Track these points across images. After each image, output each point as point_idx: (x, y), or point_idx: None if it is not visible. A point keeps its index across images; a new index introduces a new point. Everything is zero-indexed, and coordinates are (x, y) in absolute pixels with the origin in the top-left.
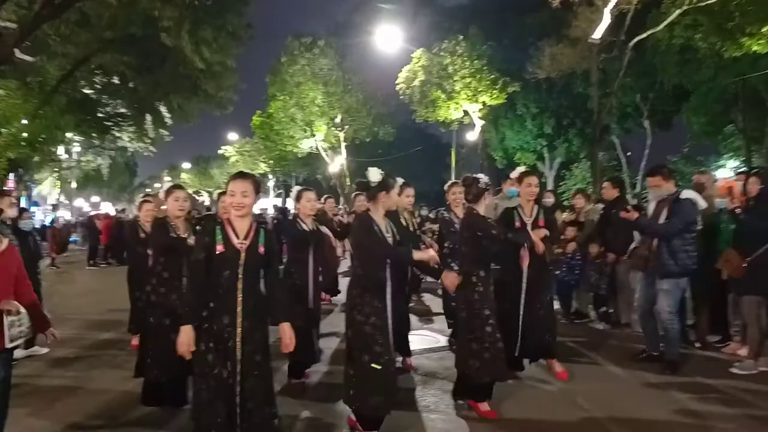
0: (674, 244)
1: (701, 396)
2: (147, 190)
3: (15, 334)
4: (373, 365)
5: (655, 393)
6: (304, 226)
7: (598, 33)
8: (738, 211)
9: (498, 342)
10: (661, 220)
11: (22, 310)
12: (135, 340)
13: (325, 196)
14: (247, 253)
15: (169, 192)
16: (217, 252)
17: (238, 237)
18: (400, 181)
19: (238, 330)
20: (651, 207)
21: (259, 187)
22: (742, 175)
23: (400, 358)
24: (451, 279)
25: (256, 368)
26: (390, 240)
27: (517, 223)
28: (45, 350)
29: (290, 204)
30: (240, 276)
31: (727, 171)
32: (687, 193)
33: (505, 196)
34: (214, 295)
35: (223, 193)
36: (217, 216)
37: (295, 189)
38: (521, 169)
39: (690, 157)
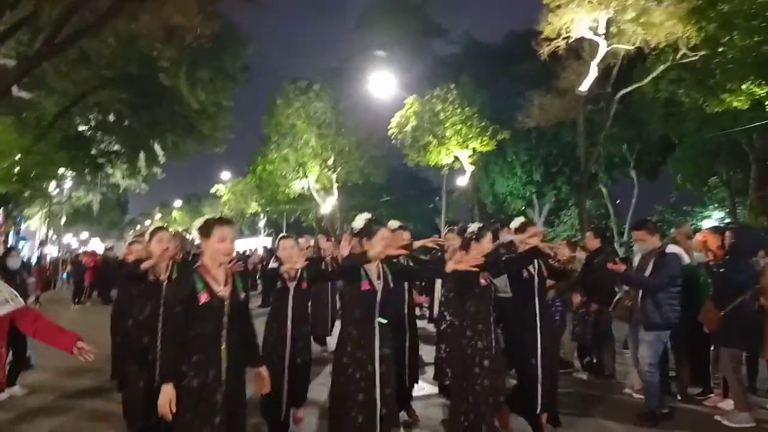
0: (659, 297)
1: None
2: (137, 227)
3: None
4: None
5: None
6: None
7: (585, 86)
8: (712, 264)
9: (486, 404)
10: (647, 272)
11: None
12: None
13: (319, 235)
14: (231, 300)
15: (153, 233)
16: (201, 303)
17: (218, 284)
18: (394, 224)
19: (223, 380)
20: (636, 259)
21: None
22: (716, 229)
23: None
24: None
25: (239, 420)
26: (379, 286)
27: (525, 274)
28: (23, 392)
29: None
30: (225, 326)
31: (712, 222)
32: (672, 248)
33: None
34: (196, 347)
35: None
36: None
37: (279, 237)
38: (522, 219)
39: (677, 207)
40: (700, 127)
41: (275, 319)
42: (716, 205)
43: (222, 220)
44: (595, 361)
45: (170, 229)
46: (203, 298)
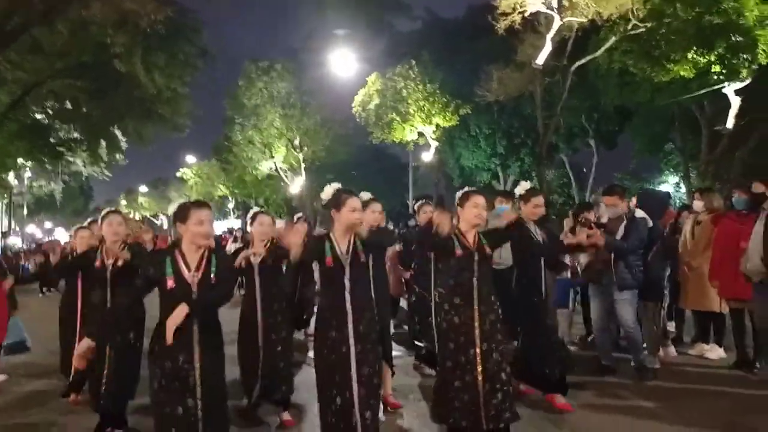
0: (629, 260)
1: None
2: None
3: None
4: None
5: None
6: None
7: (540, 59)
8: None
9: (467, 387)
10: (618, 236)
11: None
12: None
13: (298, 215)
14: (199, 286)
15: (103, 217)
16: (168, 288)
17: (189, 269)
18: (366, 196)
19: (197, 366)
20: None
21: None
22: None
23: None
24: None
25: (218, 403)
26: (347, 260)
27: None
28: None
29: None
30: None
31: (669, 186)
32: (639, 213)
33: (494, 214)
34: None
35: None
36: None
37: (252, 211)
38: (527, 185)
39: (635, 174)
40: (652, 97)
41: (245, 302)
42: (672, 170)
43: (199, 203)
44: None
45: (135, 215)
46: (170, 282)
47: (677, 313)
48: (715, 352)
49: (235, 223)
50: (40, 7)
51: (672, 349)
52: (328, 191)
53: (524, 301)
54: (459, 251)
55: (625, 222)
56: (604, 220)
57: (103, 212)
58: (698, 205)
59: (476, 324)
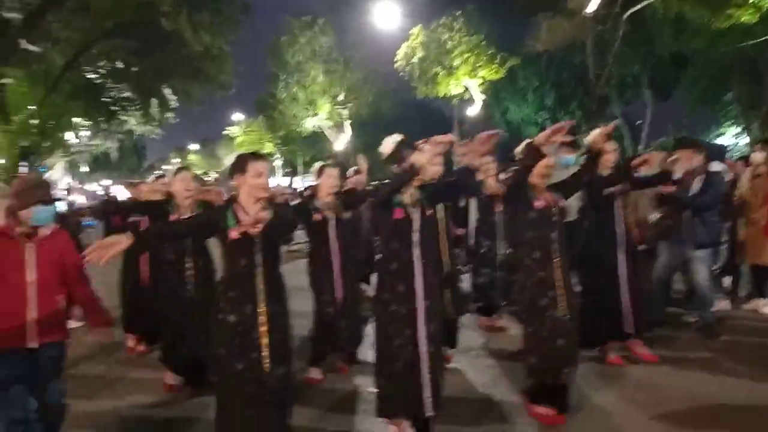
0: (705, 216)
1: None
2: (156, 172)
3: None
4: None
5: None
6: (321, 210)
7: (592, 6)
8: None
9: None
10: (692, 192)
11: None
12: (131, 342)
13: (353, 168)
14: (263, 237)
15: (176, 173)
16: (231, 239)
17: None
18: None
19: (262, 318)
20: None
21: None
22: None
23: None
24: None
25: (284, 355)
26: (416, 214)
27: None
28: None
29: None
30: (258, 263)
31: (728, 138)
32: (715, 166)
33: (561, 165)
34: (232, 284)
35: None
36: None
37: (317, 165)
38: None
39: (692, 126)
40: (712, 43)
41: (317, 255)
42: (731, 121)
43: (256, 155)
44: None
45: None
46: (233, 234)
47: (733, 268)
48: None
49: (283, 180)
50: None
51: (727, 302)
52: (389, 144)
53: (595, 252)
54: (538, 203)
55: (702, 176)
56: (677, 175)
57: (175, 168)
58: (757, 157)
59: (559, 276)
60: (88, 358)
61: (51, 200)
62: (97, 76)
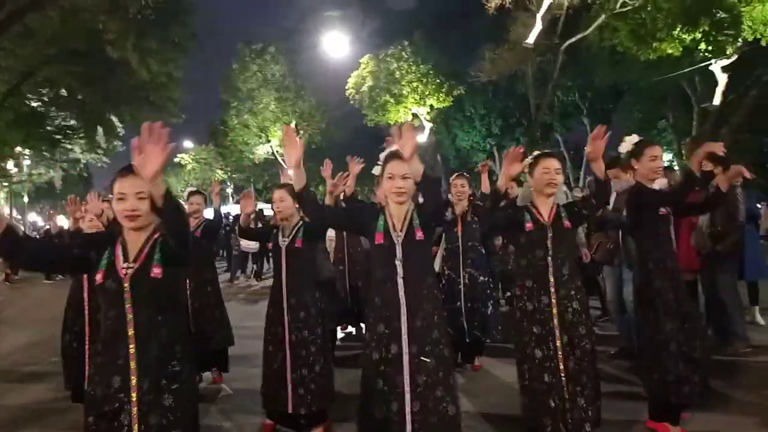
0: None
1: None
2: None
3: None
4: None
5: None
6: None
7: (531, 38)
8: None
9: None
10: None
11: None
12: None
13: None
14: (132, 280)
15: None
16: (97, 283)
17: (126, 259)
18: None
19: (133, 390)
20: (612, 199)
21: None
22: None
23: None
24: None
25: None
26: (398, 238)
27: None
28: None
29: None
30: (129, 315)
31: (663, 163)
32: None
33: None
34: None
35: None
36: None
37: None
38: (635, 138)
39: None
40: (643, 74)
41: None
42: (665, 147)
43: (119, 173)
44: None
45: None
46: (98, 278)
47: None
48: None
49: (233, 208)
50: None
51: None
52: (379, 169)
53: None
54: (530, 224)
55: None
56: (613, 195)
57: (186, 192)
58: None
59: (554, 311)
60: None
61: None
62: (40, 104)
